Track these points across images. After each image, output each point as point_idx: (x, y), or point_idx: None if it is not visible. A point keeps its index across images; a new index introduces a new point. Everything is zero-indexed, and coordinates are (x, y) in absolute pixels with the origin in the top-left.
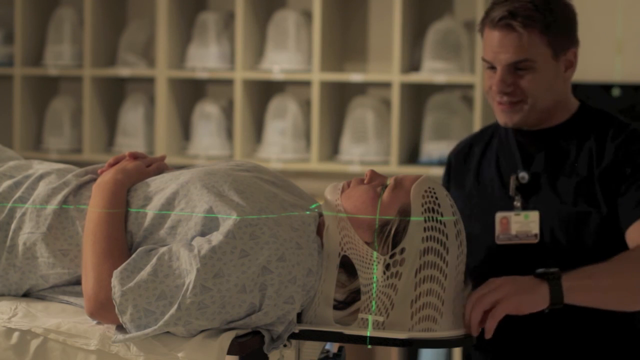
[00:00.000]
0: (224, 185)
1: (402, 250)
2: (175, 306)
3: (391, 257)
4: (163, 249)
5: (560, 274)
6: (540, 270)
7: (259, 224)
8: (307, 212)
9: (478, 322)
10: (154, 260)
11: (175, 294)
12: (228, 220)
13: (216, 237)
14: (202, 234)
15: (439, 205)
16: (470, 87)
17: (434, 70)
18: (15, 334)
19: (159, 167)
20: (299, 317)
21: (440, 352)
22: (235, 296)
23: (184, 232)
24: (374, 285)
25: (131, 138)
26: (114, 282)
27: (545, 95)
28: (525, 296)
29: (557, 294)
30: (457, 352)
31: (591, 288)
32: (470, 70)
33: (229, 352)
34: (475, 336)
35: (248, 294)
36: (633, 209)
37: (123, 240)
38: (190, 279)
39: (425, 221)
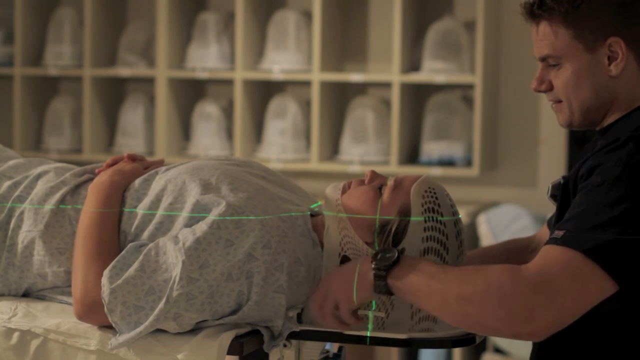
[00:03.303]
0: (211, 178)
1: (402, 251)
2: (164, 299)
3: None
4: (150, 245)
5: (391, 266)
6: (379, 255)
7: (245, 213)
8: (300, 213)
9: (339, 325)
10: (141, 256)
11: (163, 288)
12: (213, 211)
13: (200, 228)
14: (191, 226)
15: (439, 205)
16: (470, 87)
17: (434, 70)
18: (15, 334)
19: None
20: (299, 317)
21: (440, 352)
22: (222, 285)
23: (173, 226)
24: None
25: (131, 138)
26: (104, 280)
27: (579, 94)
28: (353, 288)
29: (382, 291)
30: (457, 352)
31: (413, 290)
32: (470, 70)
33: (229, 352)
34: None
35: (235, 282)
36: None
37: (113, 242)
38: (176, 271)
39: (425, 221)
